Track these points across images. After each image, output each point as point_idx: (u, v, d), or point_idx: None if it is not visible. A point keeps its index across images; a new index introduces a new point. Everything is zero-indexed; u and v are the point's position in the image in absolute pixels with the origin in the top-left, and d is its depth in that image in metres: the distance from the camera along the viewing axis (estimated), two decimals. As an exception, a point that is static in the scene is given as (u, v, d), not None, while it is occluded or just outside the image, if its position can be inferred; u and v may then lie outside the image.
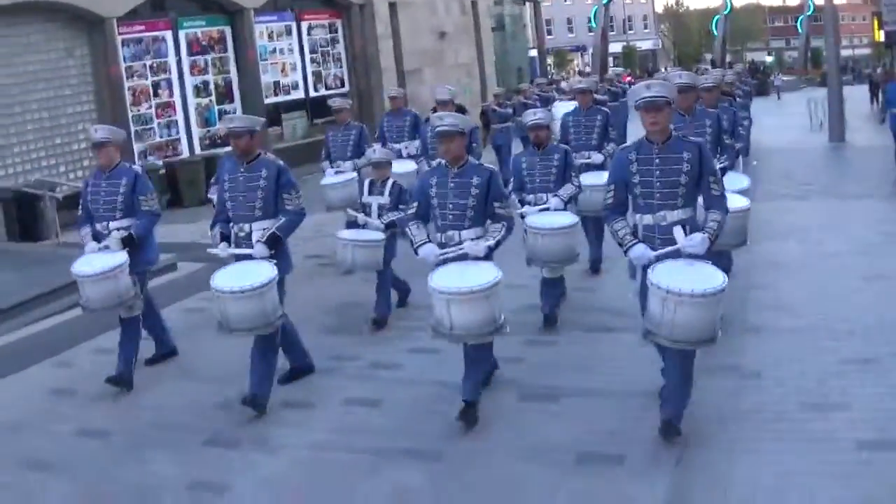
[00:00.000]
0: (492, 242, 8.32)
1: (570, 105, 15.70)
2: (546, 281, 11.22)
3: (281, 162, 9.26)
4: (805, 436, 7.46)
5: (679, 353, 7.41)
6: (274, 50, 30.50)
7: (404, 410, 8.57)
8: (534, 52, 55.28)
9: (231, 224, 9.29)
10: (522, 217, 10.88)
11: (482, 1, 39.88)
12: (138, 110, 25.79)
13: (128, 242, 9.79)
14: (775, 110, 40.91)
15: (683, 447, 7.38)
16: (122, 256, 9.70)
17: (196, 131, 27.41)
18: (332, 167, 15.40)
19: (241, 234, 9.18)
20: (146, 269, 10.44)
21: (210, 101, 28.07)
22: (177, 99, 27.13)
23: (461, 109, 22.95)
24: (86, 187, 10.36)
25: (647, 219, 7.67)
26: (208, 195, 15.25)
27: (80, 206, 10.36)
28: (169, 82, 26.88)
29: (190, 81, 27.52)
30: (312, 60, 32.06)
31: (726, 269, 9.19)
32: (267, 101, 29.37)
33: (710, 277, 7.13)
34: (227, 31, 28.61)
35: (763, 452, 7.22)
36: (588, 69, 65.96)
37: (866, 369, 8.71)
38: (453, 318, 7.82)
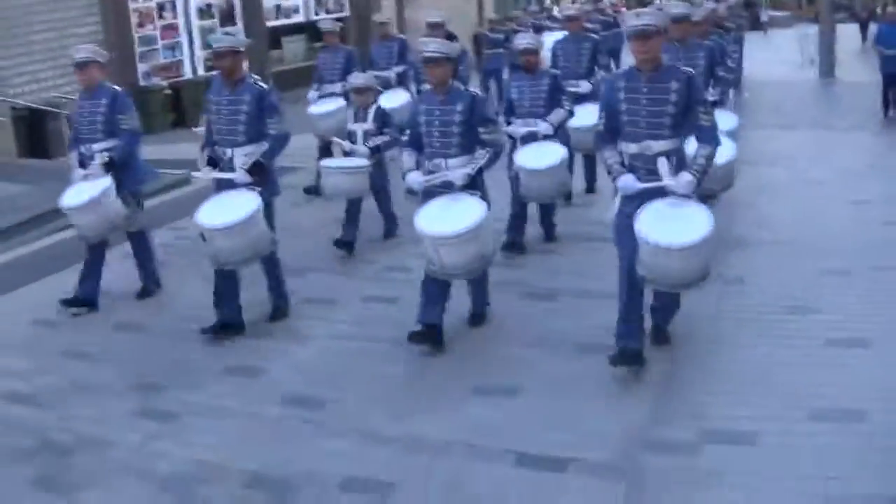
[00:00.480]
0: (471, 169, 8.34)
1: (561, 34, 15.52)
2: (541, 207, 11.49)
3: (264, 84, 9.16)
4: (782, 333, 8.26)
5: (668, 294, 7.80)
6: (275, -29, 31.05)
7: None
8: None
9: (216, 147, 9.24)
10: (512, 142, 11.14)
11: None
12: (143, 32, 26.19)
13: (110, 166, 9.74)
14: (766, 45, 41.21)
15: (672, 345, 8.08)
16: (104, 183, 9.66)
17: (199, 53, 27.83)
18: (317, 91, 15.36)
19: (225, 157, 9.06)
20: (137, 187, 10.36)
21: (213, 23, 28.37)
22: (181, 21, 27.54)
23: (450, 35, 23.23)
24: (76, 108, 10.41)
25: (633, 147, 7.59)
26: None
27: (71, 128, 10.53)
28: (173, 4, 27.25)
29: (194, 3, 27.92)
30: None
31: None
32: (268, 23, 29.81)
33: (696, 223, 7.10)
34: (232, -50, 29.10)
35: (744, 346, 8.05)
36: None
37: (841, 280, 9.52)
38: (443, 258, 7.98)
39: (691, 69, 7.84)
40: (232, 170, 8.84)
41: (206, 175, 9.05)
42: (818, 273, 9.74)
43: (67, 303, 9.91)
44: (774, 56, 34.60)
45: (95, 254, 10.06)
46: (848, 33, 40.85)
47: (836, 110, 22.85)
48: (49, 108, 20.90)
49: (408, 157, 8.74)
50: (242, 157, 8.80)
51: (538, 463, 6.33)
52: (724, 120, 10.48)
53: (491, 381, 7.72)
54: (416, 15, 32.87)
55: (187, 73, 27.46)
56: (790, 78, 28.61)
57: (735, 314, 8.85)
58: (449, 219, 7.96)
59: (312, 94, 15.34)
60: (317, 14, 31.72)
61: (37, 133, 20.67)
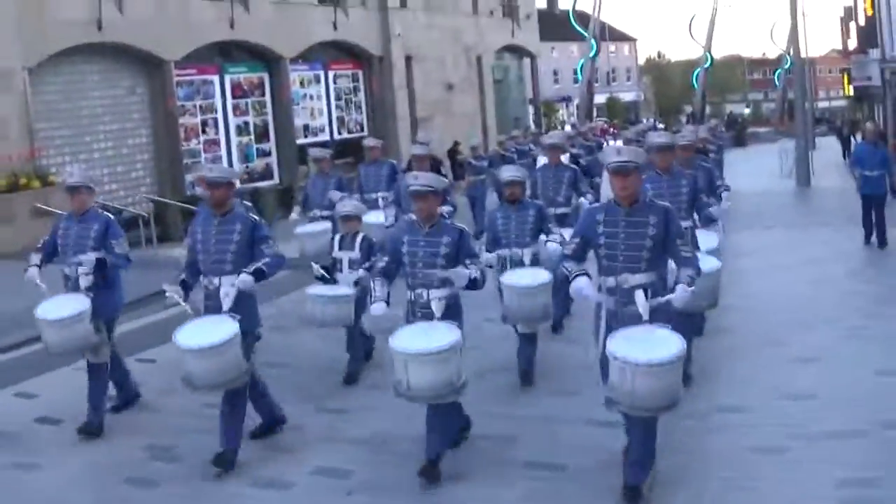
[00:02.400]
0: (450, 290, 8.26)
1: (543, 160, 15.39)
2: (522, 337, 10.98)
3: (255, 217, 9.14)
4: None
5: (643, 422, 7.41)
6: (304, 96, 33.57)
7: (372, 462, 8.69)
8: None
9: (201, 276, 9.00)
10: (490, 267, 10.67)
11: (485, 56, 42.71)
12: (188, 145, 28.75)
13: (101, 267, 9.71)
14: (749, 159, 43.65)
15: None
16: (83, 304, 9.53)
17: (237, 166, 30.05)
18: (306, 215, 15.53)
19: (210, 287, 8.85)
20: (113, 315, 10.13)
21: (249, 139, 31.12)
22: (221, 136, 30.17)
23: (435, 161, 24.57)
24: (55, 231, 10.17)
25: (610, 281, 7.53)
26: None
27: (41, 241, 10.26)
28: (215, 121, 29.96)
29: (233, 121, 30.53)
30: (337, 106, 35.13)
31: (699, 330, 11.03)
32: (297, 141, 32.16)
33: (667, 344, 7.07)
34: (266, 77, 31.71)
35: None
36: (573, 119, 68.93)
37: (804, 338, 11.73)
38: (410, 377, 7.73)
39: (669, 204, 7.89)
40: (218, 299, 8.67)
41: (175, 296, 8.84)
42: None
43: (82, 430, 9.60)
44: (756, 169, 36.86)
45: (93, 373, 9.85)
46: (828, 145, 43.38)
47: (807, 212, 25.54)
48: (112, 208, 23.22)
49: (380, 287, 8.54)
50: (229, 286, 8.64)
51: None
52: (707, 240, 10.91)
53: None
54: (430, 136, 35.88)
55: (225, 185, 29.78)
56: (771, 187, 30.93)
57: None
58: (423, 338, 7.85)
59: (294, 214, 16.05)
60: (339, 133, 34.27)
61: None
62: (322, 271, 11.52)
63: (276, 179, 31.51)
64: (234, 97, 30.66)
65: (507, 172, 11.54)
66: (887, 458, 7.88)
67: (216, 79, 30.14)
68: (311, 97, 34.10)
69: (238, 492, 8.18)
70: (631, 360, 6.89)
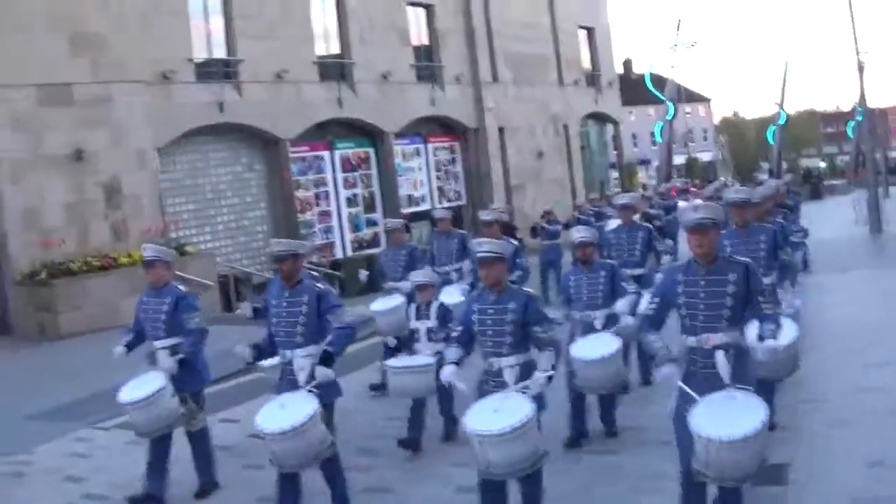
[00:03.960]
0: (548, 374, 7.98)
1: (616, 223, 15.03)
2: (601, 398, 10.91)
3: (321, 286, 8.98)
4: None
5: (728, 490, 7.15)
6: (407, 168, 35.00)
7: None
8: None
9: (278, 349, 8.99)
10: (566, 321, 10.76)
11: (571, 124, 43.77)
12: (303, 216, 30.36)
13: (182, 362, 9.66)
14: (825, 210, 44.29)
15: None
16: (160, 381, 9.48)
17: (348, 235, 31.91)
18: (382, 287, 14.96)
19: (284, 360, 8.84)
20: (199, 387, 10.06)
21: (359, 210, 32.71)
22: (332, 208, 31.79)
23: (510, 227, 24.05)
24: (139, 305, 10.21)
25: (691, 340, 7.33)
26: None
27: (133, 321, 10.29)
28: (327, 194, 31.62)
29: (343, 193, 32.16)
30: (437, 177, 36.59)
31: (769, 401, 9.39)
32: (402, 211, 33.44)
33: (749, 413, 6.77)
34: (371, 152, 33.32)
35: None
36: (653, 181, 69.34)
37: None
38: (489, 457, 7.45)
39: (748, 259, 7.69)
40: (292, 372, 8.69)
41: (268, 365, 9.37)
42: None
43: (134, 501, 9.59)
44: (832, 219, 37.49)
45: (159, 449, 9.77)
46: None
47: (880, 255, 26.71)
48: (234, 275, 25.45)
49: (452, 352, 8.41)
50: (302, 358, 8.63)
51: None
52: (786, 304, 10.39)
53: None
54: (522, 202, 37.48)
55: (339, 252, 31.43)
56: (845, 235, 31.72)
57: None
58: (496, 417, 7.51)
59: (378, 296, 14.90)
60: (439, 202, 35.42)
61: (225, 294, 24.84)
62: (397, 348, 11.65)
63: (384, 247, 32.70)
64: (343, 171, 32.29)
65: (578, 233, 11.37)
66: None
67: (327, 154, 31.82)
68: (413, 169, 35.58)
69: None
70: (715, 438, 6.63)
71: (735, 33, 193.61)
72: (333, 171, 32.06)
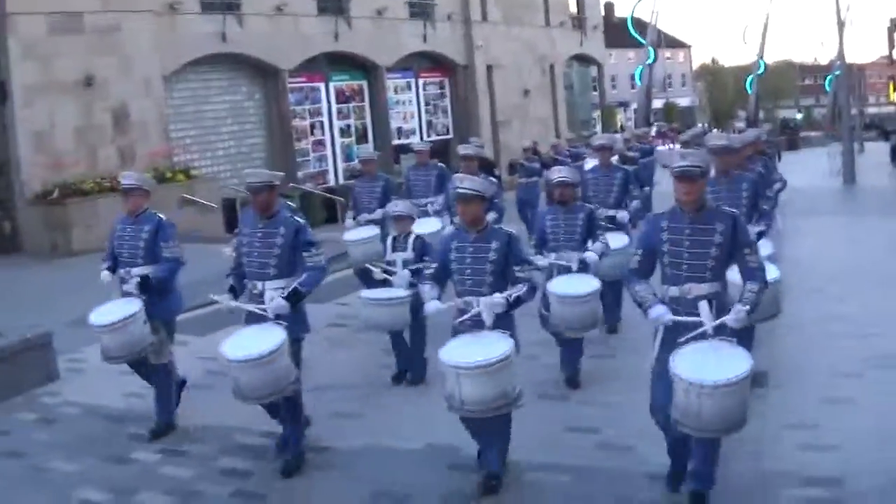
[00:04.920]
0: (510, 295, 7.66)
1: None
2: (566, 342, 10.50)
3: (300, 220, 8.65)
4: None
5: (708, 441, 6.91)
6: (398, 101, 35.88)
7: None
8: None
9: (245, 280, 8.66)
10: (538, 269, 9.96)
11: (558, 65, 44.69)
12: (299, 146, 31.29)
13: (145, 286, 9.33)
14: (802, 161, 45.38)
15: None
16: (133, 307, 9.21)
17: (340, 164, 32.86)
18: (354, 220, 14.38)
19: (255, 291, 8.50)
20: (171, 317, 9.80)
21: (351, 140, 33.57)
22: (327, 138, 32.73)
23: (489, 164, 24.43)
24: (113, 231, 9.86)
25: (674, 290, 7.11)
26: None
27: (107, 247, 9.93)
28: (321, 124, 32.52)
29: (336, 124, 33.09)
30: (426, 111, 37.50)
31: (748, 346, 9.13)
32: (392, 142, 34.64)
33: (733, 362, 6.56)
34: (365, 84, 34.22)
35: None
36: (630, 123, 69.89)
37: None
38: (463, 392, 7.17)
39: (734, 209, 7.54)
40: (262, 304, 8.35)
41: (225, 302, 8.59)
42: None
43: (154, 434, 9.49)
44: (808, 170, 38.59)
45: (150, 378, 9.80)
46: (878, 149, 45.23)
47: (852, 204, 28.25)
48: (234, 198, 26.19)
49: (429, 289, 8.08)
50: (272, 290, 8.32)
51: None
52: (762, 247, 9.97)
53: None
54: (507, 137, 38.36)
55: (331, 180, 32.36)
56: (820, 184, 32.93)
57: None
58: (473, 351, 7.25)
59: (349, 221, 14.50)
60: (428, 136, 36.22)
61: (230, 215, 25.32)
62: (384, 274, 10.97)
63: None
64: (338, 102, 33.18)
65: (557, 173, 11.00)
66: None
67: (322, 86, 32.64)
68: (404, 103, 36.46)
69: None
70: (696, 381, 6.41)
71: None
72: (328, 101, 32.90)
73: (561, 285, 10.16)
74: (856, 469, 7.56)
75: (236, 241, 9.01)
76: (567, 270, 10.53)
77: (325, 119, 32.87)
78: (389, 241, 11.31)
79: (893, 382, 9.61)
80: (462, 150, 15.15)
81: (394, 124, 35.52)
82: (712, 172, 9.32)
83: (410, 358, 10.95)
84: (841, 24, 37.89)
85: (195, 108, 28.38)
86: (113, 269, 9.71)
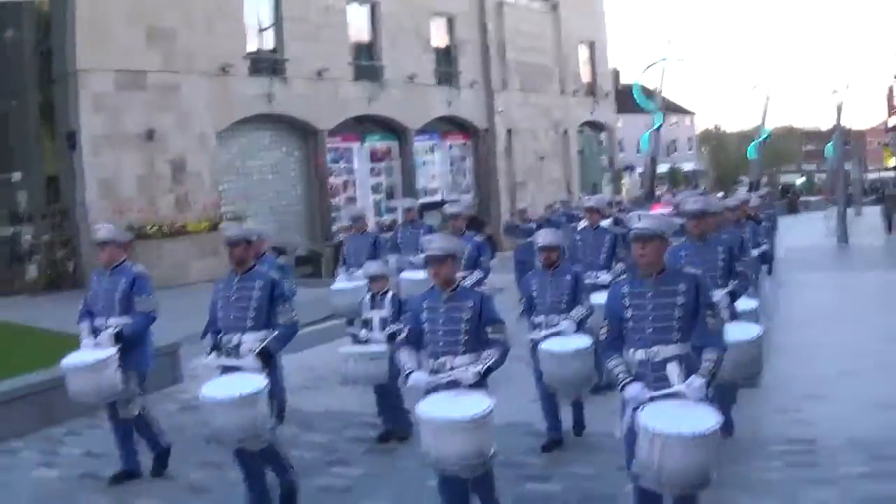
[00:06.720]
0: (481, 368, 7.35)
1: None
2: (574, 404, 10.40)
3: (275, 275, 8.75)
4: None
5: (679, 499, 6.67)
6: (424, 162, 37.98)
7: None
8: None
9: (221, 334, 8.55)
10: (533, 343, 10.06)
11: (570, 130, 46.60)
12: (334, 201, 33.32)
13: (118, 339, 9.17)
14: (800, 223, 47.13)
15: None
16: (108, 352, 9.07)
17: (372, 219, 34.09)
18: (345, 273, 14.37)
19: (230, 344, 8.41)
20: (143, 369, 9.59)
21: (381, 197, 35.67)
22: (358, 194, 34.74)
23: (479, 222, 25.93)
24: (91, 284, 9.79)
25: (640, 354, 6.91)
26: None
27: (83, 301, 9.76)
28: (354, 181, 34.60)
29: (368, 182, 35.19)
30: (450, 171, 39.61)
31: (728, 409, 9.41)
32: (420, 201, 35.68)
33: (701, 418, 6.35)
34: (395, 145, 36.32)
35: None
36: (638, 186, 70.80)
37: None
38: (439, 447, 6.92)
39: (711, 272, 7.54)
40: (238, 356, 8.33)
41: (213, 362, 8.56)
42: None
43: (115, 479, 9.50)
44: (805, 231, 40.55)
45: (117, 428, 9.64)
46: (874, 213, 46.13)
47: (844, 260, 30.23)
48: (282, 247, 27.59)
49: (407, 357, 7.70)
50: (249, 342, 8.30)
51: None
52: (744, 303, 10.47)
53: None
54: (524, 197, 40.13)
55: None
56: (816, 244, 34.65)
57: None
58: (453, 407, 7.06)
59: (341, 273, 14.54)
60: (452, 193, 38.04)
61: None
62: (357, 332, 11.24)
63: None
64: (371, 161, 35.31)
65: (542, 237, 10.56)
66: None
67: (356, 146, 34.79)
68: (430, 163, 38.56)
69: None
70: (660, 431, 6.21)
71: (718, 52, 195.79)
72: (360, 161, 35.00)
73: (552, 343, 9.86)
74: (825, 434, 9.89)
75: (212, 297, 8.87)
76: (556, 334, 10.11)
77: (358, 177, 34.97)
78: (367, 298, 11.21)
79: (857, 386, 11.95)
80: (448, 208, 14.63)
81: (421, 183, 37.47)
82: (684, 237, 9.96)
83: (394, 415, 10.87)
84: (839, 108, 39.89)
85: (241, 163, 30.49)
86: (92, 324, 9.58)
